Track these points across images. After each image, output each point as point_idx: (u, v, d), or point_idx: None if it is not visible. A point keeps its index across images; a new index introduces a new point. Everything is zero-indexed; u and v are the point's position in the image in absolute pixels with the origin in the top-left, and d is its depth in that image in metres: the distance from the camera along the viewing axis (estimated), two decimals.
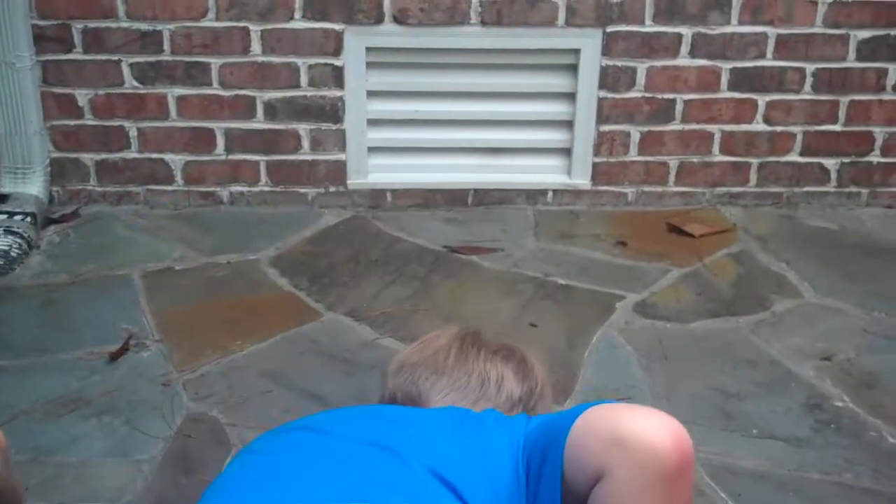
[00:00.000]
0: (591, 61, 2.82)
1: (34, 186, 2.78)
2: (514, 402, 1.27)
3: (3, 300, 2.37)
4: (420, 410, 1.26)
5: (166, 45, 2.76)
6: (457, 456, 1.10)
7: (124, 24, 2.74)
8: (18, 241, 2.61)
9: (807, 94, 2.89)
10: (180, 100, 2.82)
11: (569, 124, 2.91)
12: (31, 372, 2.11)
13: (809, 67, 2.86)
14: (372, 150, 2.93)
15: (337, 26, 2.77)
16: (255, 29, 2.76)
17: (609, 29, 2.78)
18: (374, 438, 1.12)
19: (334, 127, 2.88)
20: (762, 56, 2.83)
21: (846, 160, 2.99)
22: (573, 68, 2.84)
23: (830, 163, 2.99)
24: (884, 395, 2.11)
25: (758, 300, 2.48)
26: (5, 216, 2.67)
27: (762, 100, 2.89)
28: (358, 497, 1.03)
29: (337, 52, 2.79)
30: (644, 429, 0.93)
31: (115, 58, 2.77)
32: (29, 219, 2.69)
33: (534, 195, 2.97)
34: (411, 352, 1.37)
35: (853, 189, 3.02)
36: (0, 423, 1.96)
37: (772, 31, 2.80)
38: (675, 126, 2.91)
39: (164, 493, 1.79)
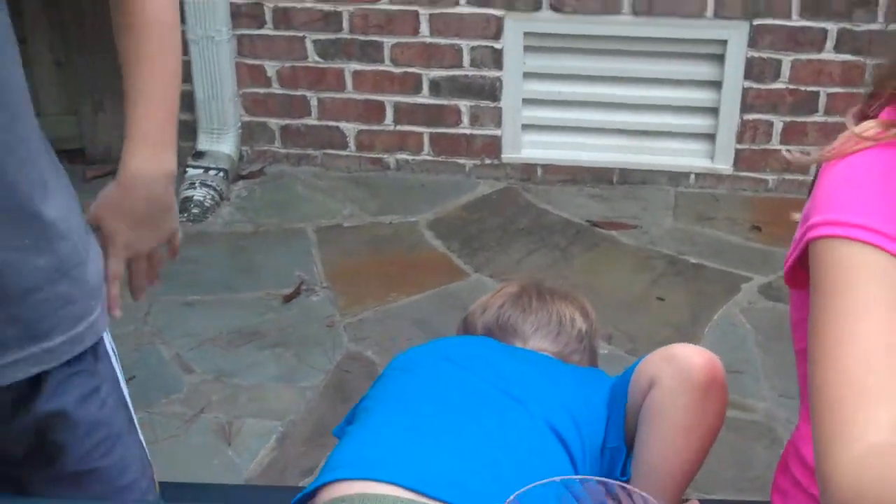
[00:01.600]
0: (738, 52, 2.96)
1: (227, 146, 3.16)
2: (582, 335, 1.53)
3: (197, 243, 2.74)
4: (536, 358, 1.50)
5: (345, 25, 3.07)
6: (570, 414, 1.34)
7: (309, 4, 3.06)
8: (212, 193, 2.98)
9: None
10: (356, 74, 3.13)
11: (713, 111, 3.06)
12: (217, 307, 2.47)
13: None
14: (526, 127, 3.17)
15: (498, 12, 3.01)
16: (424, 13, 3.04)
17: (756, 22, 2.92)
18: (505, 386, 1.36)
19: (492, 104, 3.13)
20: None
21: None
22: (720, 58, 3.00)
23: None
24: None
25: None
26: (201, 171, 3.05)
27: None
28: (491, 439, 1.28)
29: (497, 35, 3.04)
30: (687, 350, 1.23)
31: (301, 34, 3.10)
32: (221, 174, 3.07)
33: (676, 177, 3.14)
34: (491, 297, 1.62)
35: None
36: (189, 348, 2.33)
37: None
38: (818, 118, 3.02)
39: (322, 415, 2.11)
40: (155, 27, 1.11)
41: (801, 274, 0.93)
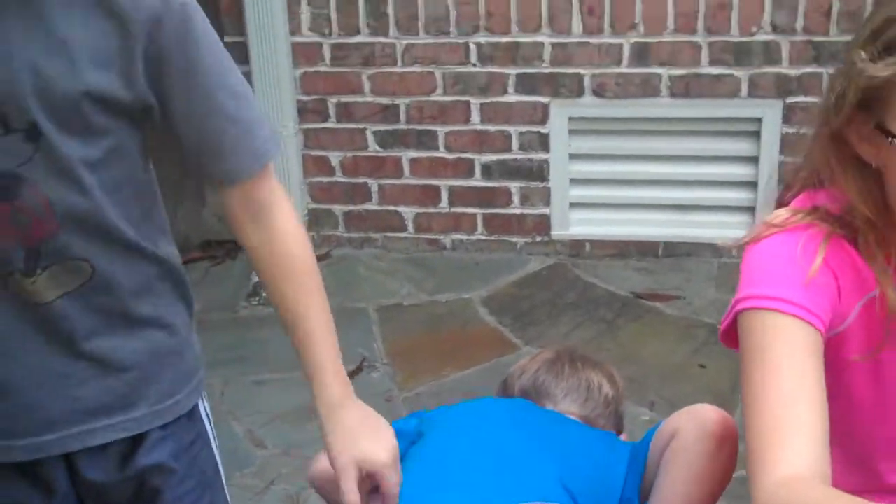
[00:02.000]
0: (773, 128, 3.12)
1: None
2: (609, 401, 1.72)
3: (269, 325, 2.96)
4: (559, 419, 1.68)
5: (402, 116, 3.31)
6: (583, 474, 1.52)
7: (369, 99, 3.31)
8: None
9: None
10: (413, 161, 3.36)
11: (752, 185, 3.21)
12: (287, 384, 2.68)
13: None
14: (573, 205, 3.35)
15: (544, 99, 3.22)
16: (475, 102, 3.26)
17: (789, 100, 3.08)
18: (528, 445, 1.54)
19: (541, 185, 3.32)
20: None
21: None
22: (756, 134, 3.15)
23: None
24: None
25: None
26: None
27: None
28: (509, 493, 1.46)
29: (543, 121, 3.24)
30: (706, 407, 1.44)
31: (362, 126, 3.35)
32: None
33: (719, 249, 3.28)
34: (529, 362, 1.81)
35: None
36: (261, 424, 2.53)
37: None
38: None
39: None
40: (296, 262, 1.24)
41: (734, 336, 1.11)
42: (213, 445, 1.32)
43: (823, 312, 1.05)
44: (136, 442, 1.22)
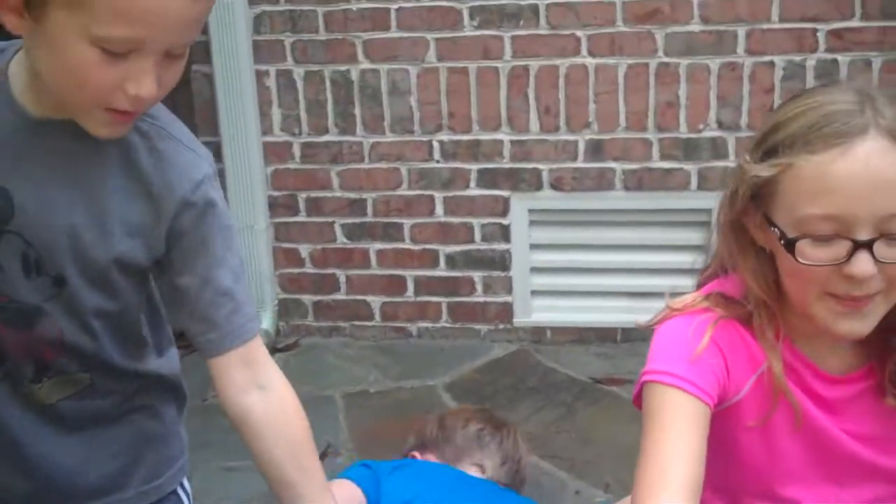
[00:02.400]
0: None
1: (265, 322, 3.51)
2: (521, 466, 1.91)
3: None
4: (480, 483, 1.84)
5: (369, 210, 3.46)
6: None
7: (338, 194, 3.46)
8: None
9: None
10: (379, 253, 3.49)
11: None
12: (255, 471, 2.75)
13: None
14: (535, 293, 3.48)
15: (504, 193, 3.37)
16: (438, 196, 3.41)
17: None
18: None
19: (503, 274, 3.46)
20: None
21: None
22: (706, 224, 3.30)
23: None
24: None
25: None
26: None
27: None
28: None
29: (504, 213, 3.39)
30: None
31: (331, 220, 3.49)
32: None
33: None
34: (449, 421, 2.02)
35: None
36: None
37: None
38: None
39: None
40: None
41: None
42: None
43: (709, 386, 1.20)
44: None
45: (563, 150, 3.32)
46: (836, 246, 1.15)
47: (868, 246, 1.13)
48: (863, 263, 1.13)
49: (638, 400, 1.26)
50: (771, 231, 1.19)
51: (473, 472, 1.95)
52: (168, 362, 1.42)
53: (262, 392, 1.33)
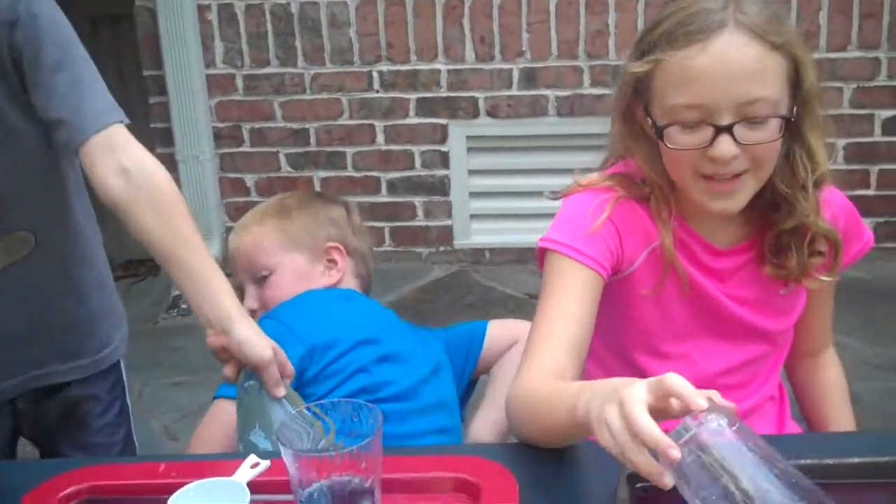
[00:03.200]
0: None
1: (213, 249, 3.62)
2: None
3: (185, 334, 3.18)
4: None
5: (312, 139, 3.57)
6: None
7: (281, 125, 3.56)
8: None
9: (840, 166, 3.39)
10: (323, 181, 3.61)
11: None
12: (201, 385, 2.89)
13: (840, 142, 3.36)
14: (473, 216, 3.62)
15: (443, 121, 3.50)
16: (379, 125, 3.53)
17: None
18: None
19: (443, 199, 3.59)
20: None
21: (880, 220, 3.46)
22: None
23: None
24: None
25: None
26: None
27: None
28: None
29: (443, 140, 3.52)
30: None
31: (275, 150, 3.60)
32: None
33: None
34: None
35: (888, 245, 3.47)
36: (175, 420, 2.75)
37: None
38: None
39: None
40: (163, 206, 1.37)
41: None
42: (127, 392, 1.64)
43: (603, 258, 1.33)
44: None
45: (497, 78, 3.44)
46: (702, 132, 1.27)
47: (728, 130, 1.25)
48: (724, 145, 1.25)
49: (540, 262, 1.39)
50: (647, 121, 1.32)
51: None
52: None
53: (126, 173, 1.35)
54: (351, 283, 1.71)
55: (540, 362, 1.25)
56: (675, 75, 1.27)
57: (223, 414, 1.50)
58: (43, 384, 1.53)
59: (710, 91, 1.25)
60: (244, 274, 1.69)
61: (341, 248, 1.71)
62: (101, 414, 1.59)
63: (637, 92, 1.34)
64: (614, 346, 1.46)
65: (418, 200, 3.60)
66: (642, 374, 1.33)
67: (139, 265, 3.57)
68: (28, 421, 1.57)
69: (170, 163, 3.57)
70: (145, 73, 3.53)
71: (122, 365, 1.64)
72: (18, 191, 1.41)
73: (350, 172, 3.59)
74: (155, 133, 3.56)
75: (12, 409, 1.54)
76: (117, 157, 1.36)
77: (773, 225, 1.38)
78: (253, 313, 1.58)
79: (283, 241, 1.69)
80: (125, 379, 1.65)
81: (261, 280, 1.67)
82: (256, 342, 1.33)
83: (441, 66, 3.46)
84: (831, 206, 1.41)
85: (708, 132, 1.27)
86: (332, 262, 1.69)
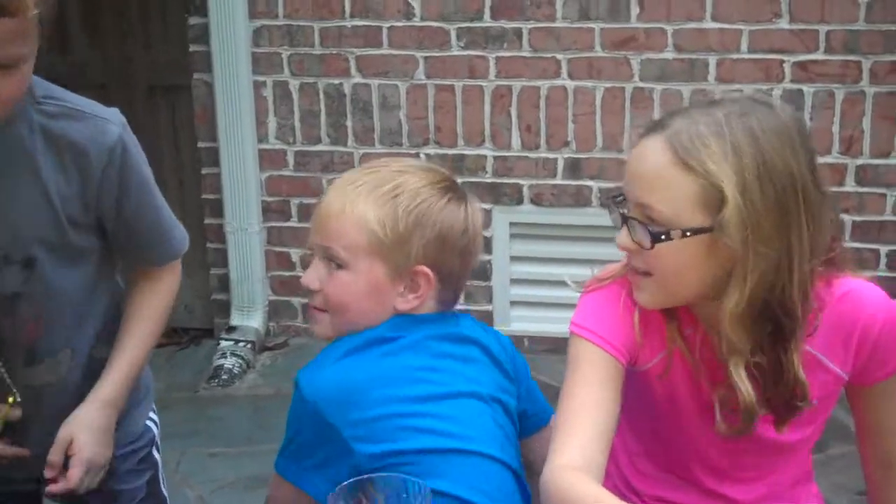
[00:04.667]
0: None
1: (255, 321, 3.67)
2: None
3: (225, 404, 3.21)
4: None
5: None
6: None
7: None
8: (240, 361, 3.48)
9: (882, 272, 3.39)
10: None
11: None
12: (239, 457, 2.92)
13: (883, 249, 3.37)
14: (514, 303, 3.65)
15: (487, 206, 3.55)
16: None
17: None
18: None
19: (484, 284, 3.63)
20: None
21: None
22: None
23: None
24: None
25: None
26: (232, 342, 3.56)
27: None
28: None
29: (487, 225, 3.56)
30: None
31: None
32: (249, 345, 3.57)
33: None
34: None
35: None
36: (210, 490, 2.77)
37: None
38: None
39: None
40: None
41: None
42: (160, 469, 1.69)
43: (624, 348, 1.36)
44: None
45: (543, 167, 3.50)
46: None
47: (625, 221, 1.34)
48: (621, 233, 1.34)
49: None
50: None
51: None
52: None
53: (138, 285, 1.60)
54: (429, 307, 1.49)
55: (569, 453, 1.26)
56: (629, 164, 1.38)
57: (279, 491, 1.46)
58: None
59: (628, 183, 1.35)
60: (318, 237, 1.47)
61: (431, 275, 1.46)
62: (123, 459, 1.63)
63: None
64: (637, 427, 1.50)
65: None
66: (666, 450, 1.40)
67: (182, 333, 3.62)
68: None
69: (218, 234, 3.65)
70: (200, 144, 3.62)
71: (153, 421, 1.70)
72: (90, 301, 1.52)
73: None
74: (206, 203, 3.64)
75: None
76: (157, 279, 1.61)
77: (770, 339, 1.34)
78: (312, 295, 1.49)
79: (372, 244, 1.43)
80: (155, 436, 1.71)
81: (330, 264, 1.45)
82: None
83: (487, 151, 3.53)
84: (859, 304, 1.38)
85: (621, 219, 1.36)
86: (416, 285, 1.46)
